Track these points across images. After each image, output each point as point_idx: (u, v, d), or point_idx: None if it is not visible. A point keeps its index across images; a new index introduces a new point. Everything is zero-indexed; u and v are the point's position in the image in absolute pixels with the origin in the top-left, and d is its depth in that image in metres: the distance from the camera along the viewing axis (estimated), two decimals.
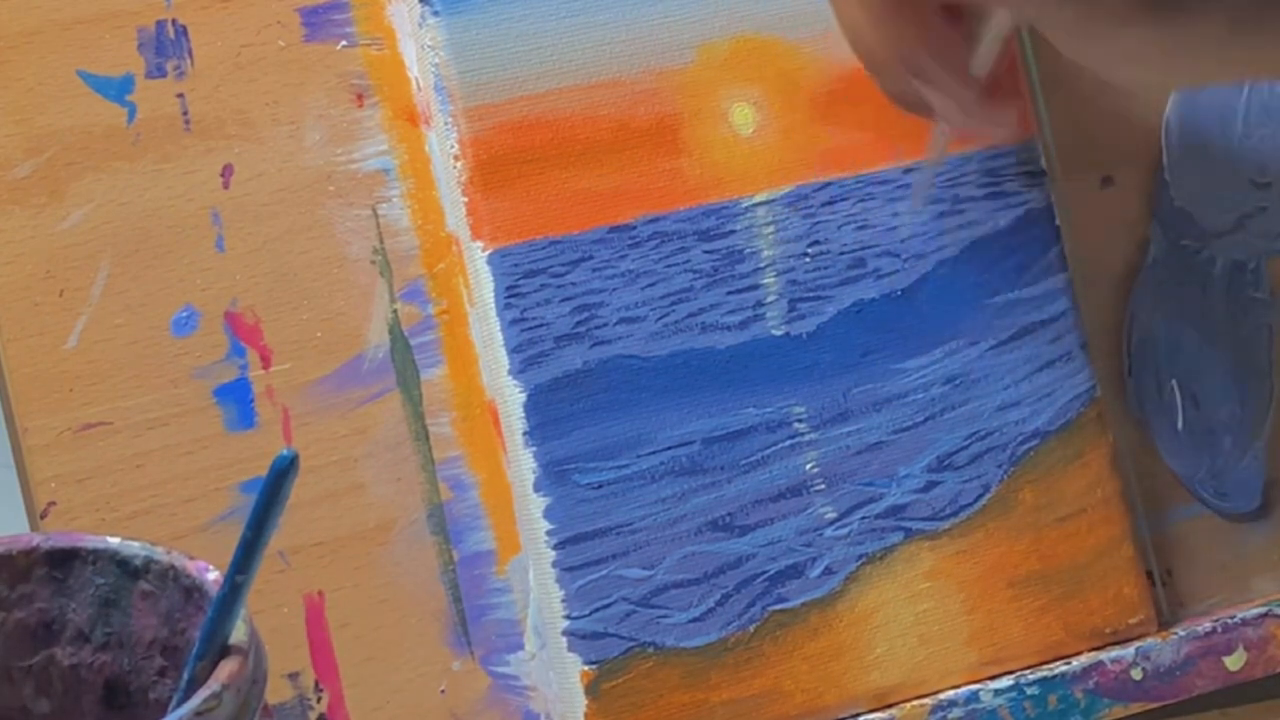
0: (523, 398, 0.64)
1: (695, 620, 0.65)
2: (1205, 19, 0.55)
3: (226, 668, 0.48)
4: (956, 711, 0.67)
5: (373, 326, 0.65)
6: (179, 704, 0.48)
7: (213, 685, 0.47)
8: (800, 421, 0.67)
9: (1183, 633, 0.70)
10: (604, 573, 0.65)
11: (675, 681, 0.65)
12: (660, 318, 0.66)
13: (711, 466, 0.66)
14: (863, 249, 0.68)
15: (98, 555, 0.52)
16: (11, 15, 0.63)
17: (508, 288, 0.65)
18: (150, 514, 0.62)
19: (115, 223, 0.63)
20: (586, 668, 0.64)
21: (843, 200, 0.68)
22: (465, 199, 0.65)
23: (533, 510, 0.64)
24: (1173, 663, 0.69)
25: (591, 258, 0.66)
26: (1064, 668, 0.68)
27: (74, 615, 0.52)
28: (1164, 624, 0.70)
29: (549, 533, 0.64)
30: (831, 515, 0.67)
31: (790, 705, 0.66)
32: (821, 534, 0.67)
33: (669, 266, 0.66)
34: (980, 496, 0.68)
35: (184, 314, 0.63)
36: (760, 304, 0.67)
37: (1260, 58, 0.56)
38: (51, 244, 0.63)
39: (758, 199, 0.67)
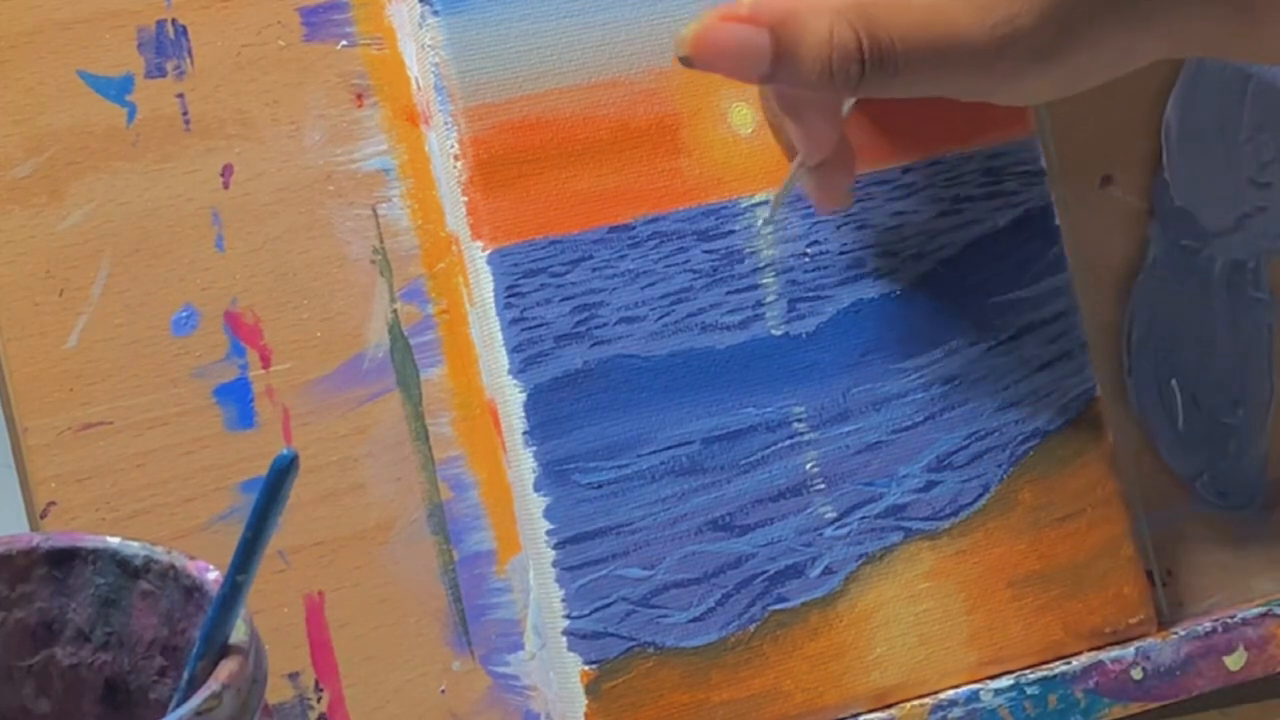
0: (523, 397, 0.64)
1: (695, 620, 0.65)
2: (1092, 46, 0.58)
3: (226, 668, 0.48)
4: (956, 711, 0.67)
5: (373, 326, 0.65)
6: (179, 704, 0.48)
7: (213, 685, 0.47)
8: (800, 421, 0.67)
9: (1183, 633, 0.70)
10: (604, 573, 0.65)
11: (675, 681, 0.65)
12: (660, 317, 0.66)
13: (711, 466, 0.66)
14: (863, 249, 0.68)
15: (98, 555, 0.52)
16: (11, 15, 0.63)
17: (508, 287, 0.65)
18: (150, 514, 0.63)
19: (115, 223, 0.63)
20: (586, 668, 0.64)
21: None
22: (465, 199, 0.65)
23: (533, 510, 0.64)
24: (1173, 663, 0.69)
25: (591, 257, 0.66)
26: (1064, 668, 0.68)
27: (74, 615, 0.52)
28: (1164, 624, 0.70)
29: (549, 532, 0.64)
30: (831, 515, 0.67)
31: (790, 705, 0.66)
32: (821, 534, 0.67)
33: (669, 266, 0.66)
34: (980, 496, 0.68)
35: (184, 314, 0.63)
36: (760, 304, 0.67)
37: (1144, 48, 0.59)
38: (51, 244, 0.63)
39: (757, 199, 0.68)
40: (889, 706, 0.67)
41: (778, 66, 0.58)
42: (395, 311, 0.65)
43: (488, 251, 0.65)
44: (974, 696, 0.67)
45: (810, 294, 0.68)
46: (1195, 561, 0.73)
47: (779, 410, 0.67)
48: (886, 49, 0.57)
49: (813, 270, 0.68)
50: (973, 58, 0.57)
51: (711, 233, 0.67)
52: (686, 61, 0.58)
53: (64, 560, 0.52)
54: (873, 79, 0.57)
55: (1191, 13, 0.58)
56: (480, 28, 0.65)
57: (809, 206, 0.68)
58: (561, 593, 0.64)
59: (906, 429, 0.68)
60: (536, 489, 0.64)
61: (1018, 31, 0.57)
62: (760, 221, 0.66)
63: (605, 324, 0.66)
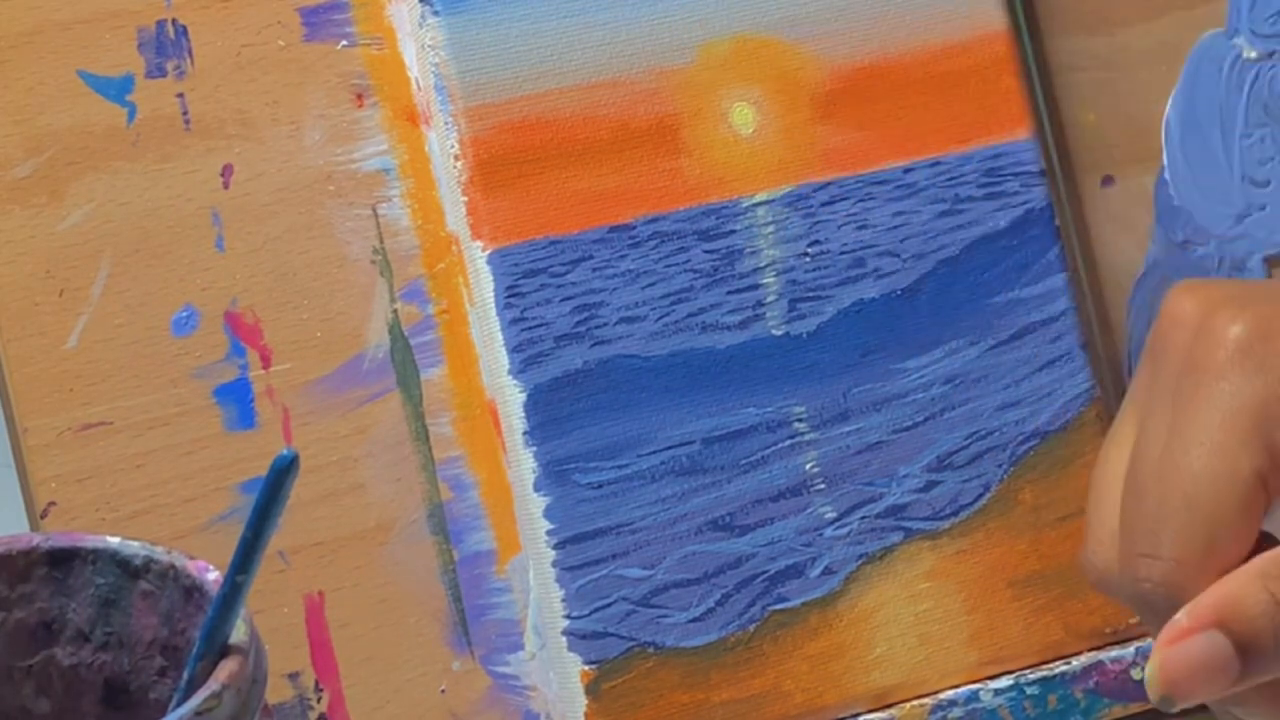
0: (523, 397, 0.64)
1: (695, 620, 0.65)
2: None
3: (226, 668, 0.48)
4: (956, 711, 0.67)
5: (373, 326, 0.65)
6: (179, 704, 0.48)
7: (213, 685, 0.47)
8: (800, 421, 0.67)
9: None
10: (604, 572, 0.65)
11: (675, 681, 0.65)
12: (660, 317, 0.66)
13: (711, 466, 0.66)
14: (863, 249, 0.68)
15: (98, 555, 0.52)
16: (11, 15, 0.63)
17: (508, 288, 0.65)
18: (150, 514, 0.62)
19: (115, 223, 0.63)
20: (586, 668, 0.64)
21: (843, 200, 0.68)
22: (465, 199, 0.65)
23: (533, 510, 0.64)
24: None
25: (591, 257, 0.66)
26: (1064, 668, 0.68)
27: (74, 615, 0.52)
28: None
29: (549, 532, 0.64)
30: (831, 515, 0.67)
31: (790, 705, 0.66)
32: (821, 534, 0.67)
33: (669, 266, 0.66)
34: (980, 496, 0.68)
35: (184, 314, 0.63)
36: (760, 304, 0.67)
37: None
38: (51, 244, 0.63)
39: (758, 199, 0.68)
40: (889, 706, 0.67)
41: (1248, 659, 0.52)
42: (395, 311, 0.65)
43: (488, 251, 0.65)
44: (974, 696, 0.67)
45: (810, 294, 0.68)
46: None
47: (779, 410, 0.67)
48: None
49: (813, 270, 0.68)
50: None
51: (712, 233, 0.67)
52: (1167, 703, 0.52)
53: (64, 560, 0.52)
54: None
55: None
56: (480, 28, 0.65)
57: (809, 206, 0.68)
58: (561, 593, 0.64)
59: (906, 429, 0.68)
60: (536, 489, 0.64)
61: None
62: None
63: (605, 324, 0.66)
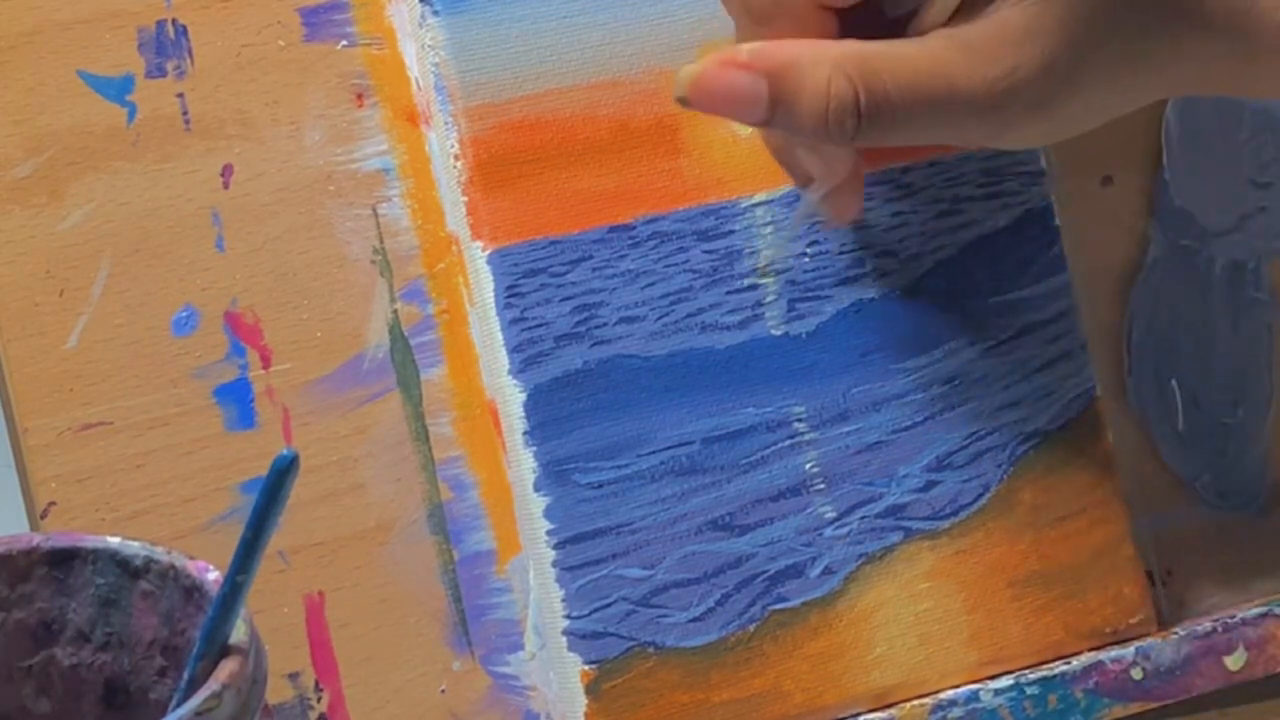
0: (523, 397, 0.65)
1: (695, 620, 0.65)
2: (1091, 95, 0.57)
3: (226, 668, 0.48)
4: (956, 711, 0.67)
5: (373, 326, 0.65)
6: (179, 704, 0.48)
7: (213, 685, 0.47)
8: (800, 421, 0.67)
9: (1183, 632, 0.70)
10: (604, 572, 0.65)
11: (675, 681, 0.65)
12: (660, 317, 0.66)
13: (711, 466, 0.66)
14: (862, 249, 0.68)
15: (98, 555, 0.52)
16: (11, 15, 0.63)
17: (508, 287, 0.65)
18: (150, 514, 0.63)
19: (115, 223, 0.63)
20: (586, 667, 0.64)
21: None
22: (465, 199, 0.65)
23: (533, 510, 0.64)
24: (1173, 662, 0.69)
25: (591, 257, 0.66)
26: (1064, 668, 0.68)
27: (74, 615, 0.52)
28: (1164, 624, 0.70)
29: (549, 532, 0.64)
30: (831, 515, 0.67)
31: (790, 705, 0.66)
32: (821, 534, 0.67)
33: (669, 266, 0.66)
34: (980, 496, 0.68)
35: (184, 314, 0.64)
36: (760, 304, 0.67)
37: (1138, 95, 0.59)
38: (51, 244, 0.63)
39: (757, 199, 0.68)
40: (889, 706, 0.67)
41: (774, 115, 0.57)
42: (395, 311, 0.65)
43: (488, 251, 0.65)
44: (974, 696, 0.67)
45: (810, 294, 0.68)
46: (1195, 561, 0.73)
47: (779, 410, 0.67)
48: (883, 103, 0.56)
49: (812, 270, 0.68)
50: (970, 110, 0.56)
51: (711, 233, 0.67)
52: (684, 102, 0.58)
53: (64, 560, 0.52)
54: (868, 132, 0.56)
55: (1191, 54, 0.57)
56: (480, 28, 0.65)
57: None
58: (561, 593, 0.64)
59: (906, 429, 0.68)
60: (536, 489, 0.64)
61: (1016, 85, 0.56)
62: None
63: (605, 324, 0.66)
